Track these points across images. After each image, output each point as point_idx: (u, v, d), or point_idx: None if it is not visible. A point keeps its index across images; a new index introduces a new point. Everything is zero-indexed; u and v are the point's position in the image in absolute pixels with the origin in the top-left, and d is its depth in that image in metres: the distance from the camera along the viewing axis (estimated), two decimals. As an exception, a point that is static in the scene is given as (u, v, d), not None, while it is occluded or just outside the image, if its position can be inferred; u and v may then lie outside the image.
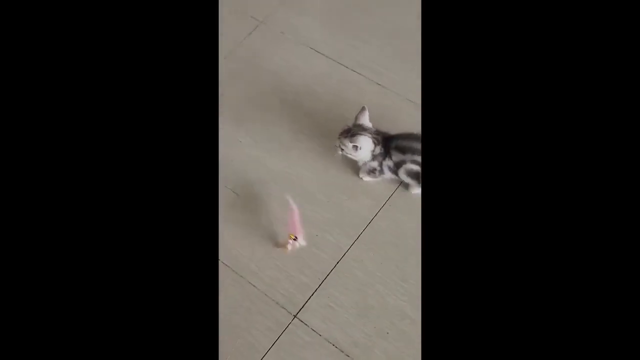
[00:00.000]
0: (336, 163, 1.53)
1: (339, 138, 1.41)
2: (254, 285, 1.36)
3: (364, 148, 1.39)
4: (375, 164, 1.43)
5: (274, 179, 1.52)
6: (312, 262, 1.39)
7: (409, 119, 1.58)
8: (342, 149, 1.41)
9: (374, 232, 1.43)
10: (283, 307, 1.33)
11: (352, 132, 1.39)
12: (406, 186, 1.47)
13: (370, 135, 1.39)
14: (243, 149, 1.58)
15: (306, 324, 1.30)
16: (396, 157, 1.40)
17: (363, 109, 1.42)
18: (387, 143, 1.41)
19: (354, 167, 1.51)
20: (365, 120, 1.41)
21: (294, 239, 1.37)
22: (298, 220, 1.39)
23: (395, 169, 1.43)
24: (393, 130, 1.44)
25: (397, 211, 1.46)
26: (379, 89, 1.67)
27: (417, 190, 1.45)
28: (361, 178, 1.50)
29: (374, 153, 1.41)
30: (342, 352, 1.27)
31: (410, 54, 1.73)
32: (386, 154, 1.42)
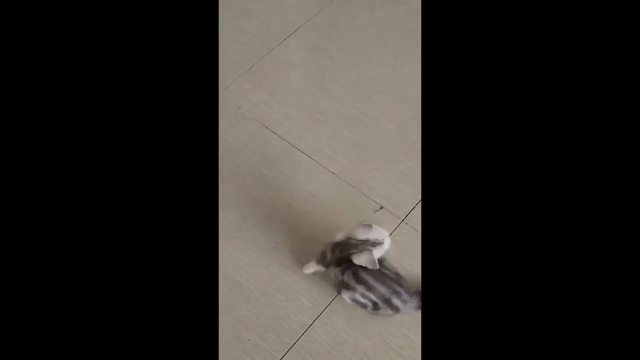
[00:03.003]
0: (280, 258, 1.45)
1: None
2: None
3: None
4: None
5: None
6: (241, 372, 1.28)
7: (362, 215, 1.51)
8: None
9: (311, 341, 1.34)
10: None
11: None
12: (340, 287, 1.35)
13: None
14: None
15: None
16: (348, 279, 1.28)
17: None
18: (349, 262, 1.27)
19: (299, 264, 1.43)
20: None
21: None
22: None
23: (339, 288, 1.33)
24: (344, 226, 1.33)
25: (337, 318, 1.37)
26: (332, 177, 1.60)
27: (346, 296, 1.34)
28: (304, 272, 1.40)
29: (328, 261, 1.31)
30: None
31: (368, 142, 1.67)
32: (339, 266, 1.30)
